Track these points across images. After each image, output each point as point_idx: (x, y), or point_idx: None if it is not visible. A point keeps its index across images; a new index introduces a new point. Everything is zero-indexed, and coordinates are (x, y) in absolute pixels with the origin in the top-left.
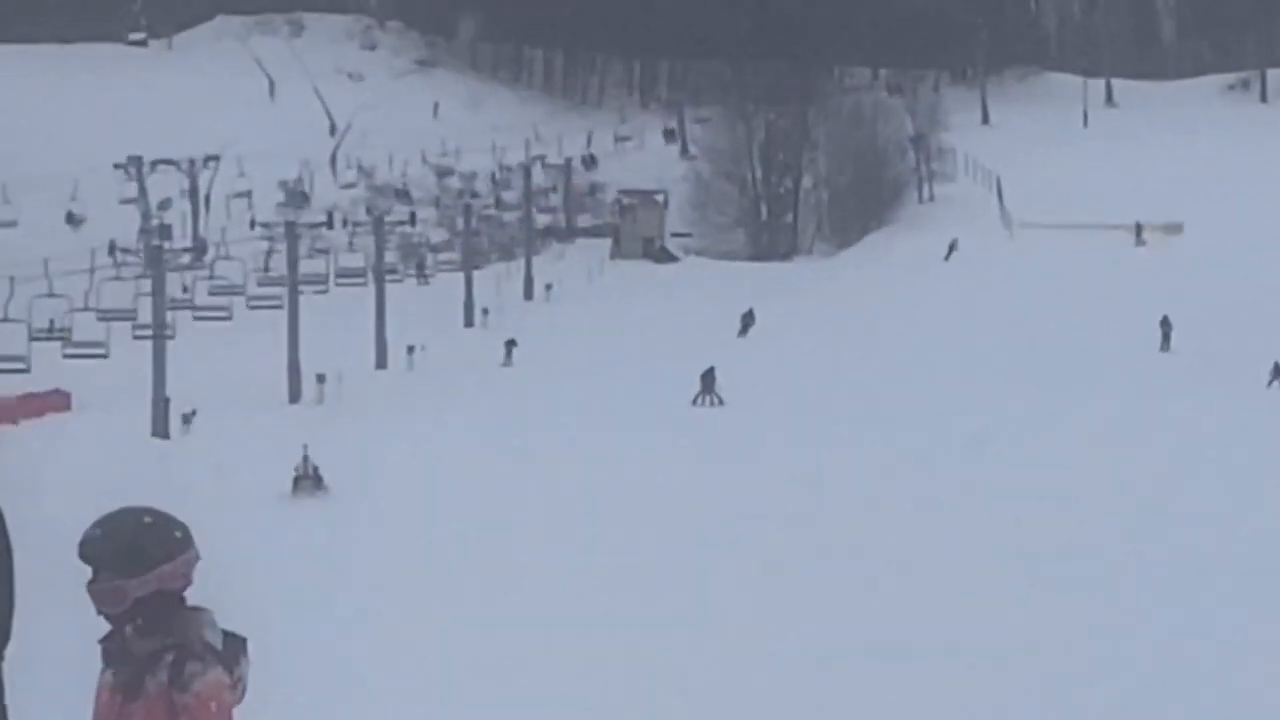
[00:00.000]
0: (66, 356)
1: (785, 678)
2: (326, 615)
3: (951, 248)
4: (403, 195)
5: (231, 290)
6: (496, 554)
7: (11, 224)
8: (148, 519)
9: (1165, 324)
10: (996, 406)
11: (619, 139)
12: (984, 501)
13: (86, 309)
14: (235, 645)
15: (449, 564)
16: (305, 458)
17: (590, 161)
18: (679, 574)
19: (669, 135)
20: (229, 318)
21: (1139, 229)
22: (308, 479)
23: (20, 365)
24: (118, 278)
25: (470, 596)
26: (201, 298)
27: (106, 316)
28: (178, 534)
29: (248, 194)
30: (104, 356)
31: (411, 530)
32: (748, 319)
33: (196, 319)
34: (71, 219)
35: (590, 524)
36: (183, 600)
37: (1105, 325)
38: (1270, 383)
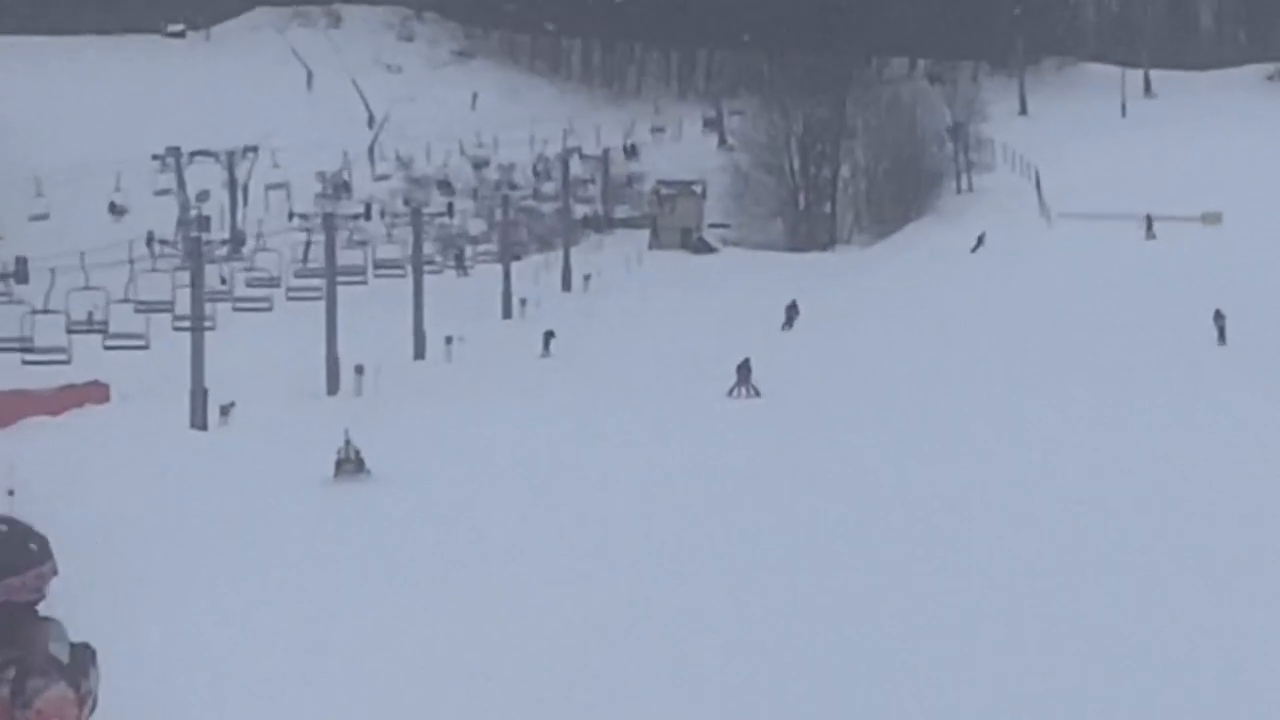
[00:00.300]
0: (107, 348)
1: (821, 660)
2: (371, 593)
3: (979, 240)
4: (445, 186)
5: (269, 283)
6: (536, 534)
7: (44, 217)
8: (2, 527)
9: (1219, 318)
10: (1050, 400)
11: (655, 130)
12: (1038, 493)
13: (126, 300)
14: (83, 657)
15: (490, 544)
16: (347, 441)
17: (632, 151)
18: (705, 555)
19: (710, 124)
20: (269, 308)
21: (1149, 222)
22: (350, 462)
23: (61, 357)
24: (154, 269)
25: (511, 575)
26: (239, 289)
27: (144, 308)
28: (33, 546)
29: (285, 185)
30: (144, 348)
31: (453, 512)
32: (792, 311)
33: (236, 310)
34: (114, 209)
35: (623, 508)
36: (34, 612)
37: (1156, 317)
38: None
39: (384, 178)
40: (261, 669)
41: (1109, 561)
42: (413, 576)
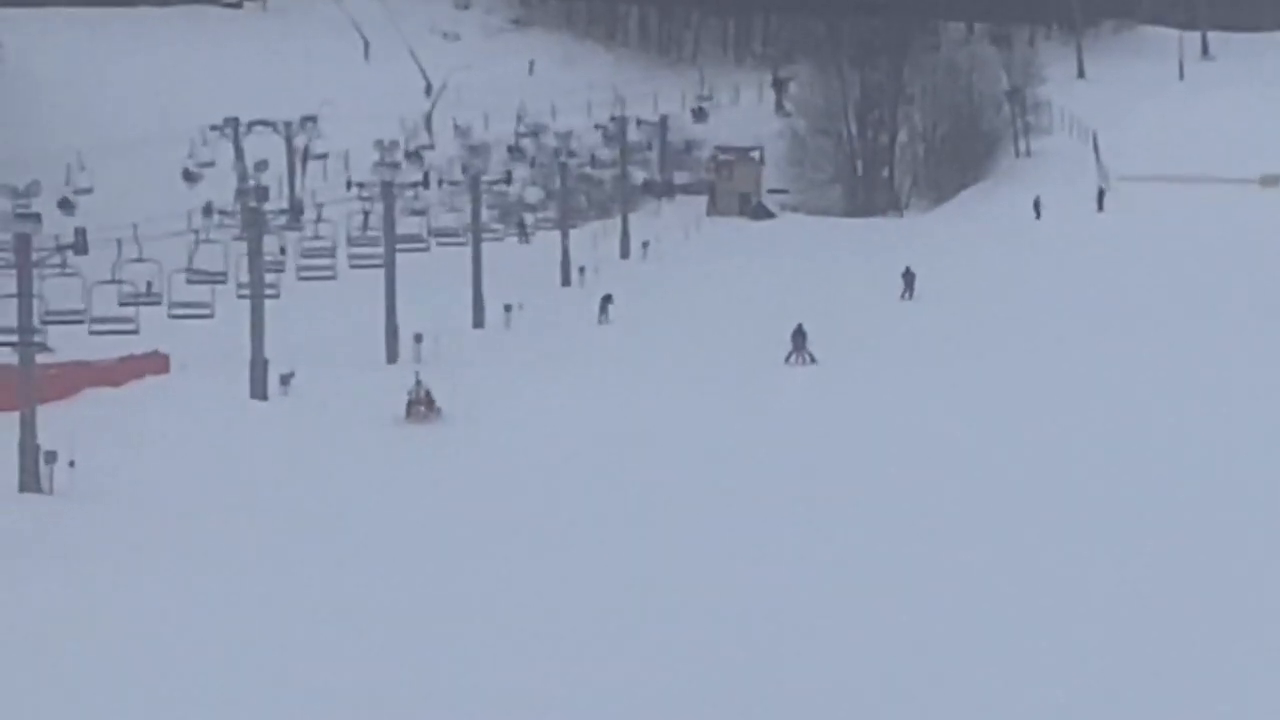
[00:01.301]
0: (173, 317)
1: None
2: (449, 522)
3: (1038, 206)
4: (516, 152)
5: (326, 252)
6: (601, 478)
7: (88, 190)
8: None
9: None
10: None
11: (705, 97)
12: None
13: (187, 270)
14: None
15: (559, 480)
16: (418, 382)
17: (700, 114)
18: (749, 510)
19: (780, 84)
20: (333, 276)
21: (1100, 194)
22: (420, 403)
23: (129, 327)
24: (207, 240)
25: (573, 505)
26: (297, 258)
27: (198, 278)
28: None
29: (344, 155)
30: (209, 317)
31: (520, 452)
32: (909, 278)
33: (301, 278)
34: (189, 176)
35: (674, 459)
36: None
37: (1224, 279)
38: None
39: (426, 147)
40: (359, 580)
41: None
42: (478, 510)
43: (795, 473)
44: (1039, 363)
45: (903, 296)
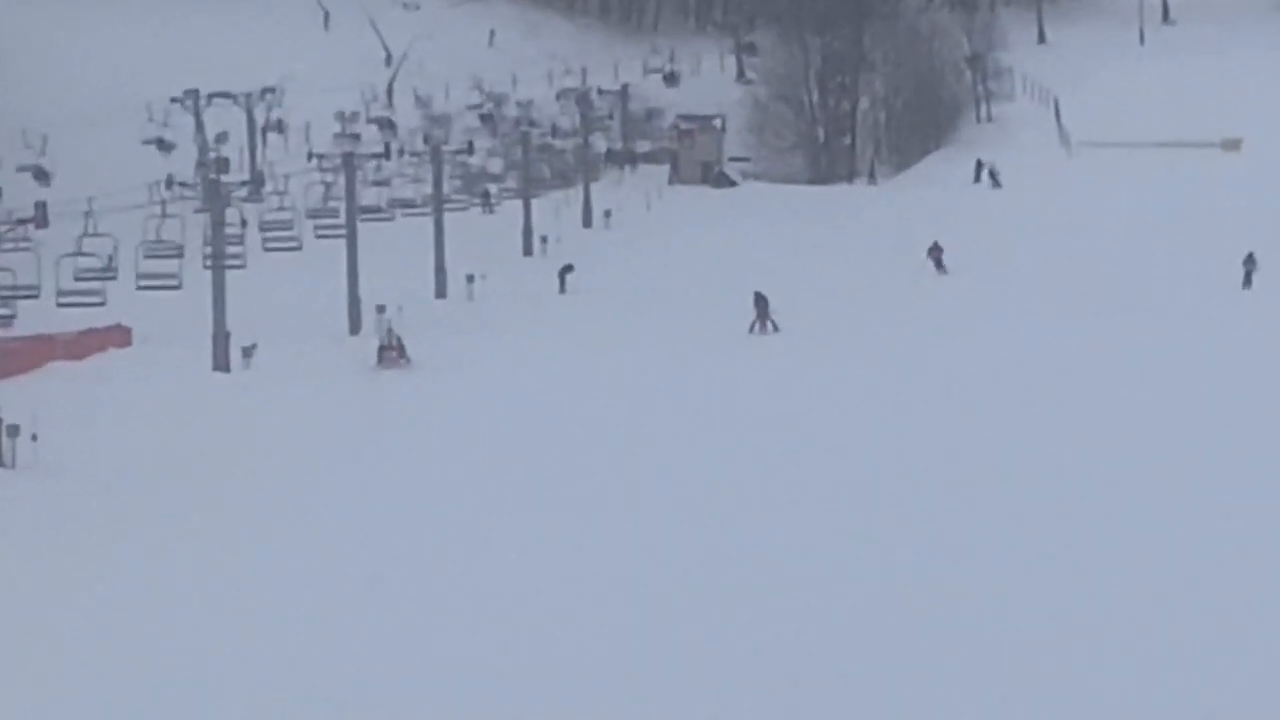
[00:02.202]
0: (140, 288)
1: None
2: (419, 456)
3: (980, 169)
4: (487, 120)
5: (288, 224)
6: (561, 423)
7: (37, 168)
8: None
9: (1250, 262)
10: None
11: (667, 67)
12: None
13: (146, 243)
14: None
15: (525, 425)
16: (389, 330)
17: (671, 78)
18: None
19: (747, 49)
20: (298, 247)
21: (979, 168)
22: (392, 349)
23: (96, 300)
24: (164, 215)
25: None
26: (257, 230)
27: (156, 252)
28: None
29: (305, 126)
30: (177, 288)
31: (489, 392)
32: (935, 251)
33: (267, 249)
34: (162, 145)
35: (629, 417)
36: None
37: (1181, 247)
38: None
39: (382, 120)
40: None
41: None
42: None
43: (750, 426)
44: (1006, 329)
45: (937, 271)
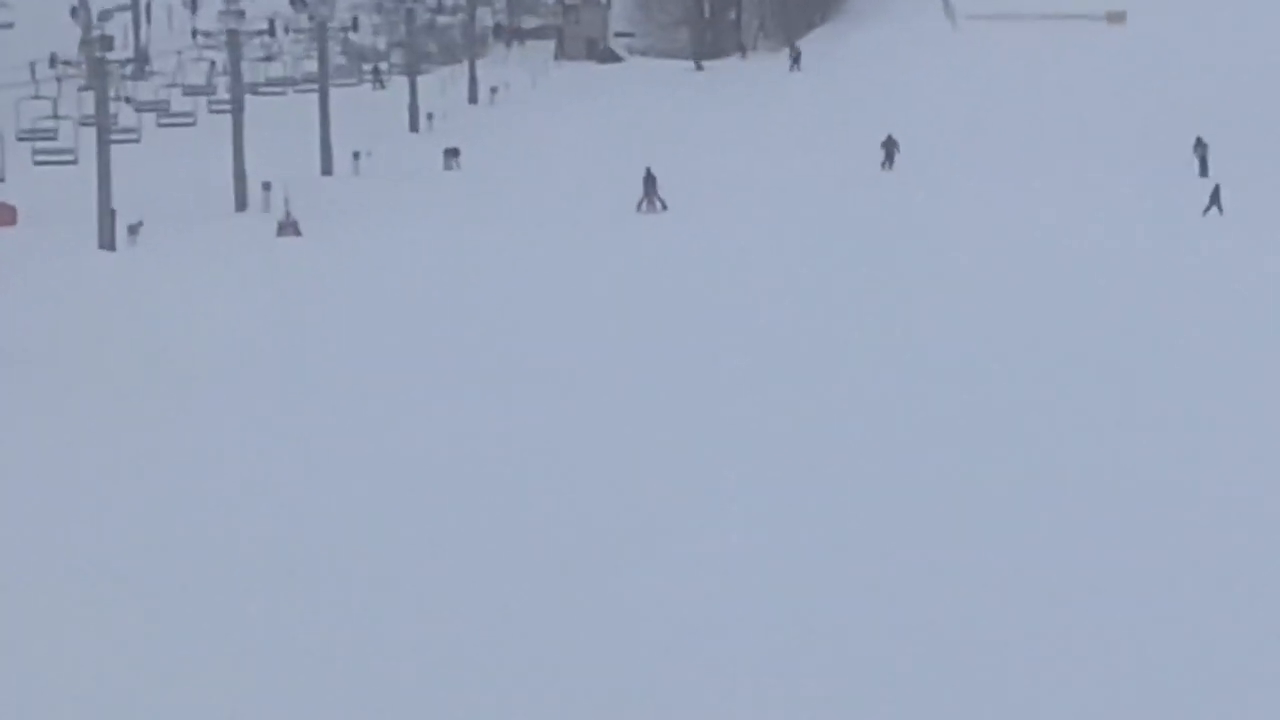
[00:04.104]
0: (37, 163)
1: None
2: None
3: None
4: None
5: (150, 109)
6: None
7: None
8: None
9: (1200, 146)
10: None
11: None
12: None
13: (50, 117)
14: None
15: (408, 301)
16: (287, 213)
17: None
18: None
19: None
20: (193, 123)
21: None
22: (289, 225)
23: None
24: (37, 96)
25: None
26: (127, 117)
27: (27, 136)
28: None
29: (191, 2)
30: (73, 163)
31: (376, 257)
32: (890, 146)
33: (161, 125)
34: (74, 13)
35: (516, 277)
36: None
37: (1069, 119)
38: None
39: None
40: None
41: None
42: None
43: (631, 298)
44: (898, 200)
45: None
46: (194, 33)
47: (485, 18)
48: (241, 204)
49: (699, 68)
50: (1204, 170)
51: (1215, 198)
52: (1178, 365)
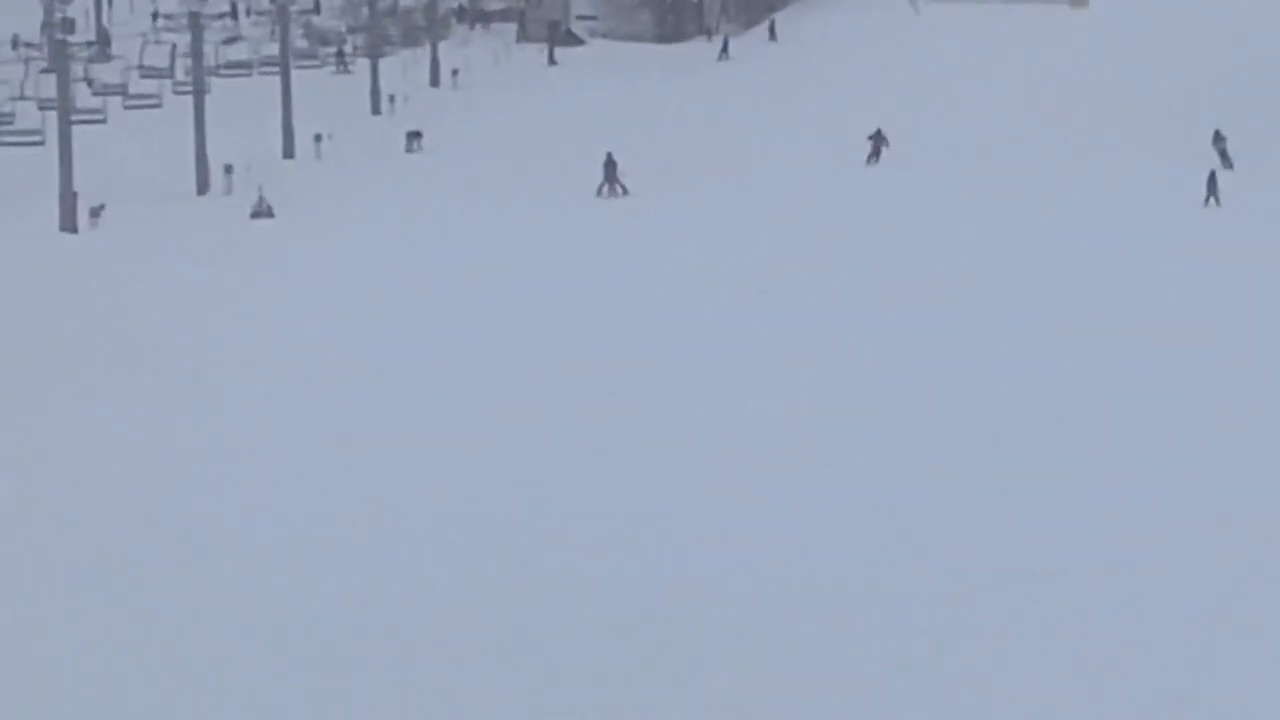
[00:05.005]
0: (2, 144)
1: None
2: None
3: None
4: None
5: (111, 91)
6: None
7: None
8: None
9: (1219, 139)
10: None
11: None
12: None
13: (18, 98)
14: None
15: (378, 256)
16: (261, 197)
17: None
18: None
19: None
20: (159, 105)
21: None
22: (263, 210)
23: None
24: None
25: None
26: (84, 99)
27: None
28: None
29: None
30: (40, 144)
31: (343, 236)
32: (878, 140)
33: (127, 108)
34: None
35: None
36: None
37: (1031, 105)
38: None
39: None
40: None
41: None
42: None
43: (591, 276)
44: (862, 189)
45: (869, 161)
46: (155, 15)
47: (448, 0)
48: (203, 187)
49: (725, 55)
50: (1226, 163)
51: (1212, 187)
52: (1152, 357)
